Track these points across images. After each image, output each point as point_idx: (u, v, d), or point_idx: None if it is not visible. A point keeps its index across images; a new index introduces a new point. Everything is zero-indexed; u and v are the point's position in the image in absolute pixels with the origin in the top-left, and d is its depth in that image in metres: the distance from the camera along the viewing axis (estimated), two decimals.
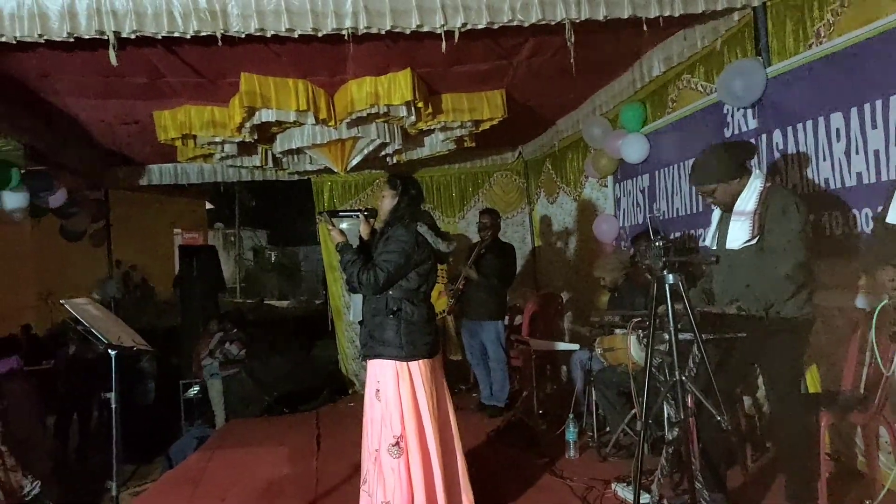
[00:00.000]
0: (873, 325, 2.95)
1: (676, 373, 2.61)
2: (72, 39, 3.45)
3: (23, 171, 5.14)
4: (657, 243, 2.64)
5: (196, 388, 7.52)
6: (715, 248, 3.39)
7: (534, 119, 6.68)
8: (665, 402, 3.03)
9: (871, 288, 3.23)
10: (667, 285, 2.63)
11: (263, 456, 5.08)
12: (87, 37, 3.44)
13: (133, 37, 3.48)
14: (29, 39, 3.42)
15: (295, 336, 10.43)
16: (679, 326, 2.76)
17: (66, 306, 2.68)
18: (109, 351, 2.68)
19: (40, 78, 4.43)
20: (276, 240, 29.46)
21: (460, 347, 6.77)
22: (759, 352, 3.13)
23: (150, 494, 4.56)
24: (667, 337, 2.75)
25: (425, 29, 3.73)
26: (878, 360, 2.96)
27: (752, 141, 4.03)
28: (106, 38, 3.42)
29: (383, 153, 6.28)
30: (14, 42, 3.42)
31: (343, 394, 7.58)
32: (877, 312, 2.90)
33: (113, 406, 2.69)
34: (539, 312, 6.62)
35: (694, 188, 3.36)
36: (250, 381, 7.09)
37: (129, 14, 3.39)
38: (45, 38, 3.42)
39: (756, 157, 3.67)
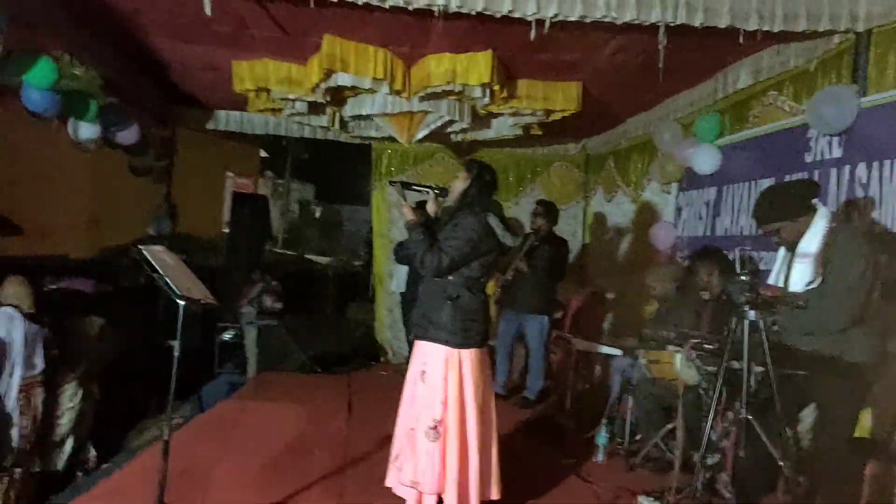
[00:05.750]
0: None
1: (743, 410, 2.57)
2: None
3: (101, 104, 5.22)
4: (743, 277, 2.59)
5: (232, 332, 7.66)
6: (780, 286, 3.31)
7: (604, 114, 6.57)
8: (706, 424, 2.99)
9: None
10: (747, 321, 2.58)
11: (295, 413, 5.15)
12: None
13: None
14: None
15: (333, 295, 10.53)
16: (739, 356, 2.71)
17: (145, 253, 2.73)
18: (179, 301, 2.75)
19: (131, 13, 4.48)
20: (322, 195, 29.65)
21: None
22: (820, 390, 3.08)
23: (184, 434, 4.67)
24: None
25: (516, 15, 3.69)
26: None
27: (834, 171, 3.92)
28: None
29: (449, 130, 6.26)
30: None
31: (374, 360, 7.66)
32: None
33: (175, 354, 2.77)
34: (582, 310, 6.57)
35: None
36: (287, 334, 7.21)
37: None
38: None
39: (819, 195, 3.55)
